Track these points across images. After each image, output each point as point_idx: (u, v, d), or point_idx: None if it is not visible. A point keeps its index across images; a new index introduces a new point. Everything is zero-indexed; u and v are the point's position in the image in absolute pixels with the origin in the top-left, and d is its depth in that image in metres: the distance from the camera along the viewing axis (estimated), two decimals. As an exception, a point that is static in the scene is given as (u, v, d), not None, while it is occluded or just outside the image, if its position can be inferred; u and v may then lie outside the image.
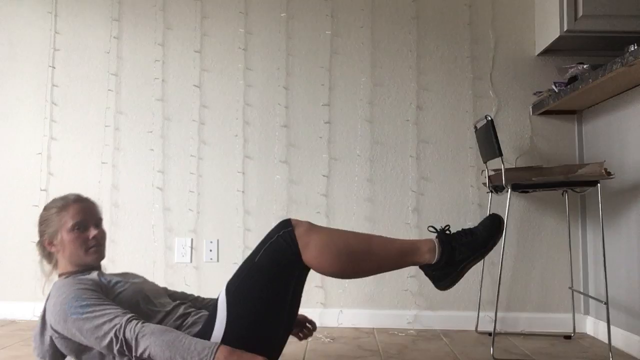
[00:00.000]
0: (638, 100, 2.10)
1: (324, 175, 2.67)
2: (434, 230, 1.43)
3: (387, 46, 2.71)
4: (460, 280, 1.44)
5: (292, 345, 2.25)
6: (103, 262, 1.63)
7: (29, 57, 2.79)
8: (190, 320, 1.44)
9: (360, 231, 2.61)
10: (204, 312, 1.51)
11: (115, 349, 1.27)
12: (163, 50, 2.76)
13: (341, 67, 2.71)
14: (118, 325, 1.28)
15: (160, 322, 1.42)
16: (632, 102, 2.14)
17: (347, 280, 2.62)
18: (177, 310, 1.48)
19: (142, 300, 1.47)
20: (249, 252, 2.62)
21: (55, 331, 1.40)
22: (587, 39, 2.42)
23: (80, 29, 2.79)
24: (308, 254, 1.32)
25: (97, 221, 1.57)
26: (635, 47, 1.82)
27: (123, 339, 1.26)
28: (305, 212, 2.66)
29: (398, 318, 2.58)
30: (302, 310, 2.59)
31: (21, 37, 2.80)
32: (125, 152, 2.73)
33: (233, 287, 1.35)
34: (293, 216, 2.65)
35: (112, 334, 1.28)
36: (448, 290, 2.59)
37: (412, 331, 2.52)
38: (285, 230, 1.35)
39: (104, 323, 1.29)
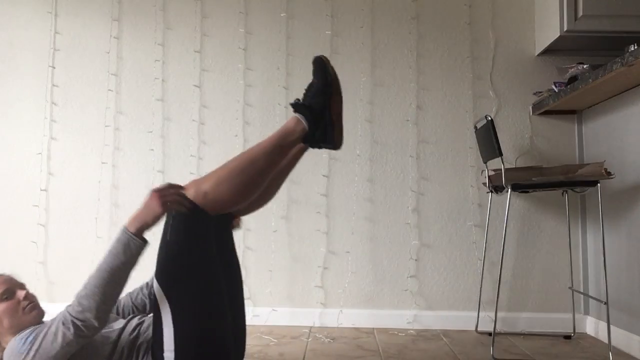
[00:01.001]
0: (638, 100, 2.10)
1: (324, 175, 2.67)
2: (292, 107, 1.51)
3: (387, 46, 2.71)
4: (343, 127, 1.52)
5: (292, 345, 2.25)
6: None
7: (29, 57, 2.79)
8: (145, 324, 1.44)
9: (360, 231, 2.62)
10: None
11: (73, 332, 1.26)
12: (163, 50, 2.76)
13: (341, 67, 2.71)
14: (60, 316, 1.28)
15: (117, 339, 1.40)
16: (632, 102, 2.14)
17: (347, 280, 2.62)
18: (131, 323, 1.47)
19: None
20: (249, 252, 2.64)
21: None
22: (587, 39, 2.42)
23: (80, 29, 2.79)
24: (210, 202, 1.35)
25: (21, 285, 1.53)
26: (635, 47, 1.82)
27: (71, 317, 1.26)
28: (305, 212, 2.66)
29: (398, 318, 2.58)
30: (302, 310, 2.61)
31: (21, 37, 2.80)
32: (125, 152, 2.73)
33: (160, 273, 1.35)
34: (293, 216, 2.65)
35: (61, 327, 1.26)
36: (448, 291, 2.59)
37: (412, 331, 2.52)
38: None
39: (52, 327, 1.28)
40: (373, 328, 2.57)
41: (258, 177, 1.42)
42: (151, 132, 2.73)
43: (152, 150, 2.72)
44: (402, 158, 2.66)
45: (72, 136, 2.76)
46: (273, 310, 2.61)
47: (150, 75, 2.75)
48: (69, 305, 1.29)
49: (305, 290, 2.63)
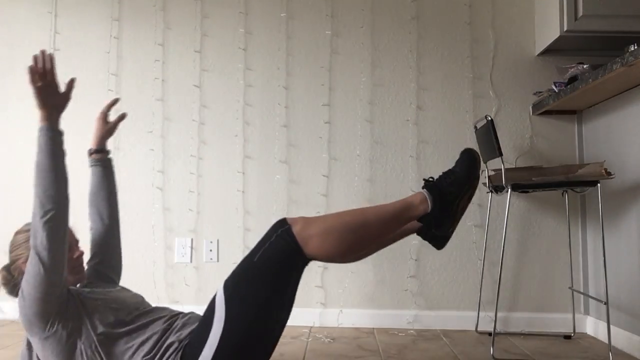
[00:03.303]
0: (638, 100, 2.10)
1: (324, 175, 2.67)
2: (425, 183, 1.49)
3: (387, 46, 2.71)
4: (456, 223, 1.48)
5: (292, 345, 2.25)
6: None
7: (29, 57, 2.78)
8: (179, 321, 1.42)
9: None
10: (192, 313, 1.49)
11: (47, 249, 1.32)
12: (163, 50, 2.76)
13: (341, 67, 2.71)
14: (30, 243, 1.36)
15: (149, 323, 1.40)
16: (632, 102, 2.14)
17: (347, 280, 2.62)
18: (164, 311, 1.46)
19: (130, 300, 1.48)
20: (249, 252, 2.64)
21: (37, 331, 1.36)
22: (587, 39, 2.42)
23: (80, 29, 2.79)
24: (311, 246, 1.33)
25: (77, 242, 1.58)
26: (635, 47, 1.82)
27: (35, 237, 1.34)
28: (305, 212, 2.66)
29: (398, 318, 2.59)
30: (302, 310, 2.61)
31: (21, 37, 2.80)
32: (125, 152, 2.73)
33: (231, 286, 1.34)
34: (293, 216, 2.65)
35: (32, 252, 1.34)
36: (448, 291, 2.59)
37: (412, 331, 2.52)
38: (282, 229, 1.35)
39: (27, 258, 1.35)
40: (373, 328, 2.57)
41: (365, 241, 1.40)
42: (151, 132, 2.73)
43: (152, 150, 2.72)
44: (402, 158, 2.66)
45: (72, 136, 2.74)
46: (273, 310, 2.61)
47: (150, 75, 2.75)
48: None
49: (305, 290, 2.63)
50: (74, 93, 2.91)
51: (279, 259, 1.34)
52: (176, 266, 2.68)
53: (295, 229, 1.33)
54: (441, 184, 1.44)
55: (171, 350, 1.34)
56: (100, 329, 1.35)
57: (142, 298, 1.59)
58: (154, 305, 1.58)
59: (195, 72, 2.74)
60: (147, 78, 2.75)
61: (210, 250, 2.66)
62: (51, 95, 1.40)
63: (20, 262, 1.47)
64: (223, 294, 1.33)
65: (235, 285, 1.34)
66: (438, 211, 1.41)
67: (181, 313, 1.49)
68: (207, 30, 2.76)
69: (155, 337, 1.37)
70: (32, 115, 2.75)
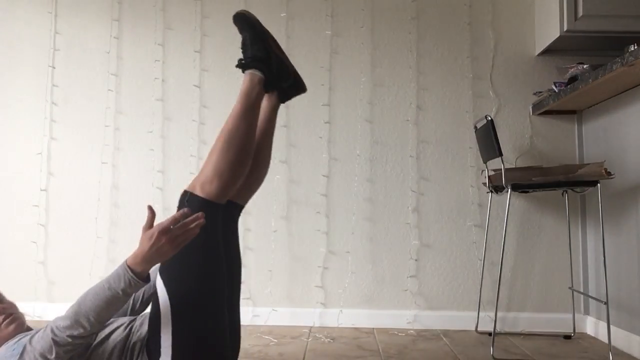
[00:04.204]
0: (638, 100, 2.10)
1: (324, 175, 2.67)
2: (240, 68, 1.61)
3: (387, 46, 2.71)
4: (287, 60, 1.65)
5: (292, 345, 2.25)
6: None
7: (29, 57, 2.79)
8: (137, 322, 1.42)
9: (360, 231, 2.62)
10: (149, 313, 1.48)
11: (64, 350, 1.23)
12: (163, 50, 2.76)
13: (341, 67, 2.71)
14: (48, 331, 1.24)
15: (109, 334, 1.38)
16: (632, 102, 2.14)
17: (347, 280, 2.62)
18: (122, 320, 1.45)
19: None
20: (249, 252, 2.64)
21: None
22: (587, 39, 2.42)
23: (80, 29, 2.79)
24: (215, 191, 1.37)
25: None
26: (635, 47, 1.82)
27: (57, 332, 1.22)
28: (305, 212, 2.66)
29: (398, 318, 2.58)
30: (302, 310, 2.61)
31: (21, 37, 2.80)
32: (125, 152, 2.73)
33: (164, 267, 1.34)
34: (293, 216, 2.65)
35: (48, 344, 1.22)
36: (448, 291, 2.59)
37: (412, 331, 2.52)
38: (187, 198, 1.38)
39: (35, 339, 1.25)
40: (373, 328, 2.57)
41: (245, 143, 1.45)
42: (151, 132, 2.73)
43: (152, 150, 2.72)
44: (402, 158, 2.66)
45: (72, 136, 2.76)
46: (273, 310, 2.61)
47: (150, 75, 2.75)
48: (57, 320, 1.25)
49: (305, 290, 2.63)
50: (74, 93, 2.89)
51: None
52: (176, 266, 2.68)
53: (197, 191, 1.37)
54: (248, 54, 1.58)
55: (137, 350, 1.34)
56: None
57: None
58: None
59: (195, 72, 2.74)
60: (147, 78, 2.75)
61: (210, 250, 2.66)
62: (163, 257, 1.25)
63: None
64: (158, 275, 1.34)
65: (167, 264, 1.33)
66: (267, 69, 1.55)
67: (139, 315, 1.49)
68: (207, 30, 2.76)
69: (119, 346, 1.36)
70: (31, 115, 2.76)
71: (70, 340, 1.22)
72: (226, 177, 1.38)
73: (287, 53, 2.69)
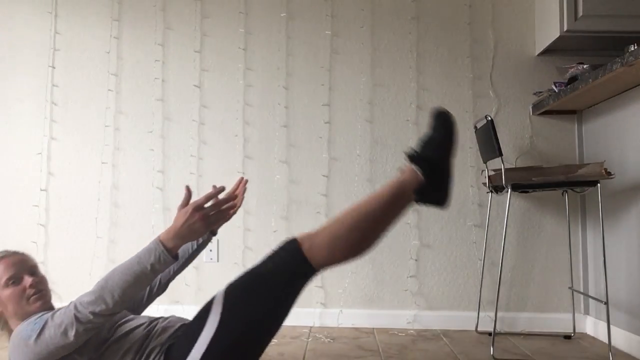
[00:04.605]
0: (638, 100, 2.10)
1: (324, 175, 2.67)
2: (409, 158, 1.47)
3: (387, 46, 2.71)
4: (452, 183, 1.47)
5: (292, 345, 2.25)
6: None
7: (29, 57, 2.79)
8: (159, 327, 1.41)
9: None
10: (173, 316, 1.49)
11: (84, 327, 1.23)
12: (163, 50, 2.76)
13: (341, 67, 2.71)
14: (67, 309, 1.25)
15: (129, 332, 1.39)
16: (632, 102, 2.14)
17: (347, 280, 2.62)
18: (142, 320, 1.44)
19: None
20: (249, 252, 2.64)
21: None
22: (587, 39, 2.42)
23: (80, 29, 2.79)
24: (319, 259, 1.32)
25: (31, 269, 1.50)
26: (635, 47, 1.82)
27: (80, 309, 1.23)
28: (305, 212, 2.66)
29: (398, 318, 2.58)
30: (302, 310, 2.61)
31: (21, 37, 2.80)
32: (125, 152, 2.73)
33: (232, 292, 1.33)
34: (293, 216, 2.65)
35: (67, 320, 1.24)
36: (448, 291, 2.59)
37: (412, 331, 2.52)
38: (291, 247, 1.34)
39: (57, 318, 1.26)
40: (373, 328, 2.57)
41: (373, 233, 1.37)
42: (151, 132, 2.73)
43: (152, 150, 2.72)
44: (402, 158, 2.66)
45: (72, 136, 2.76)
46: (273, 310, 2.61)
47: (150, 75, 2.75)
48: (82, 296, 1.26)
49: (305, 290, 2.62)
50: (74, 93, 2.89)
51: (287, 275, 1.34)
52: (176, 266, 2.68)
53: (305, 248, 1.32)
54: (425, 153, 1.42)
55: (153, 355, 1.34)
56: (86, 357, 1.33)
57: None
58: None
59: (195, 72, 2.74)
60: (147, 78, 2.75)
61: (210, 250, 2.66)
62: (195, 234, 1.29)
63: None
64: (222, 298, 1.33)
65: (237, 292, 1.33)
66: (432, 179, 1.40)
67: (161, 317, 1.48)
68: (207, 30, 2.76)
69: (135, 346, 1.36)
70: (31, 115, 2.76)
71: (91, 317, 1.23)
72: (337, 256, 1.34)
73: (287, 53, 2.73)
